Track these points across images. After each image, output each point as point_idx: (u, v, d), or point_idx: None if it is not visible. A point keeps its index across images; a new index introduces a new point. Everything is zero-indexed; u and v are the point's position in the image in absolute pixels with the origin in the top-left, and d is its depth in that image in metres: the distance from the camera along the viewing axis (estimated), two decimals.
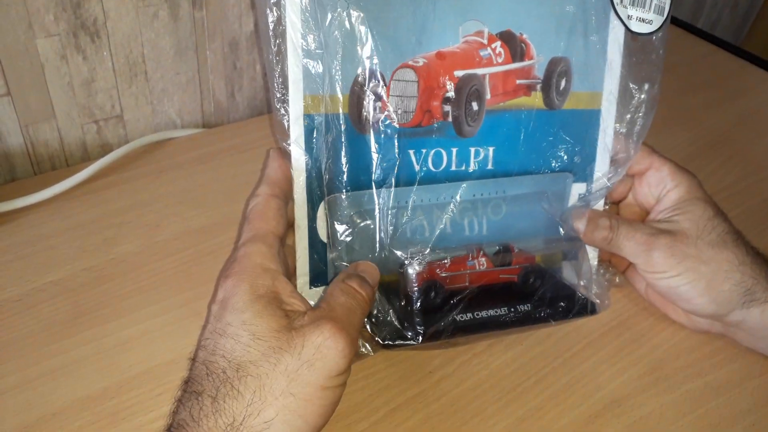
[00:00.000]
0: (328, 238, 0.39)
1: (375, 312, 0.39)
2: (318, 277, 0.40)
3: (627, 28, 0.41)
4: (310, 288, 0.40)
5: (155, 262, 0.45)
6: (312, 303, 0.36)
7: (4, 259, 0.44)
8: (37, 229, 0.47)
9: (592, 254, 0.46)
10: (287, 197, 0.37)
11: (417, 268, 0.38)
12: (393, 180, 0.39)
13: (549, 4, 0.40)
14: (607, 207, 0.45)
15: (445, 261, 0.39)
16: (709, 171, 0.60)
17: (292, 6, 0.35)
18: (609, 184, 0.44)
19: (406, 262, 0.38)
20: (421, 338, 0.37)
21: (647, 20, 0.41)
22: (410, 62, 0.38)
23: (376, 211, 0.38)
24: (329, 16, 0.36)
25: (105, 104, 0.54)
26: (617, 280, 0.46)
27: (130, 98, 0.55)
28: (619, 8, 0.41)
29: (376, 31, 0.37)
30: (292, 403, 0.30)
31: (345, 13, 0.36)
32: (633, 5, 0.41)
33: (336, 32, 0.36)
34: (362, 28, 0.36)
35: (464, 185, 0.40)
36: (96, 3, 0.49)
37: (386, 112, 0.38)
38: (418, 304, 0.38)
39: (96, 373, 0.38)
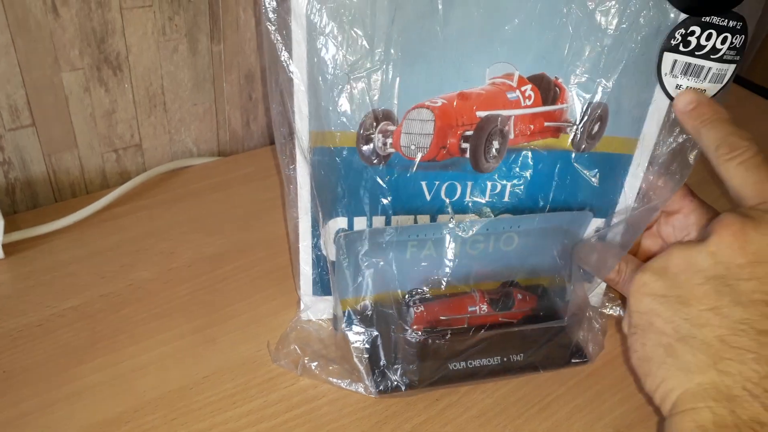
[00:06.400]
0: (335, 260, 0.40)
1: (372, 356, 0.40)
2: (322, 288, 0.43)
3: (671, 99, 0.38)
4: (313, 296, 0.43)
5: (170, 288, 0.47)
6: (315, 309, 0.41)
7: (25, 285, 0.46)
8: (57, 256, 0.49)
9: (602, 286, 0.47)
10: None
11: (418, 311, 0.40)
12: (401, 210, 0.40)
13: (595, 57, 0.37)
14: None
15: (445, 303, 0.40)
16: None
17: (298, 44, 0.35)
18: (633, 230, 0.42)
19: (406, 305, 0.39)
20: (415, 389, 0.39)
21: (700, 90, 0.38)
22: (427, 102, 0.38)
23: (382, 242, 0.39)
24: (329, 80, 0.36)
25: (125, 134, 0.56)
26: (621, 314, 0.47)
27: (148, 128, 0.57)
28: (666, 78, 0.38)
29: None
30: None
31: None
32: (686, 74, 0.37)
33: (334, 95, 0.36)
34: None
35: (478, 220, 0.40)
36: (119, 38, 0.51)
37: (391, 149, 0.38)
38: (416, 360, 0.39)
39: (112, 398, 0.39)
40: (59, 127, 0.52)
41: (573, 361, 0.43)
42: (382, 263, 0.39)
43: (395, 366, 0.40)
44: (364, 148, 0.38)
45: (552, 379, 0.43)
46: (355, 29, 0.35)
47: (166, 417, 0.39)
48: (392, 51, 0.35)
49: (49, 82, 0.50)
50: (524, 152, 0.40)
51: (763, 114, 0.76)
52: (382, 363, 0.40)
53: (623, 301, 0.47)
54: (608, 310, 0.47)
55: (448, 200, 0.40)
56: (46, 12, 0.47)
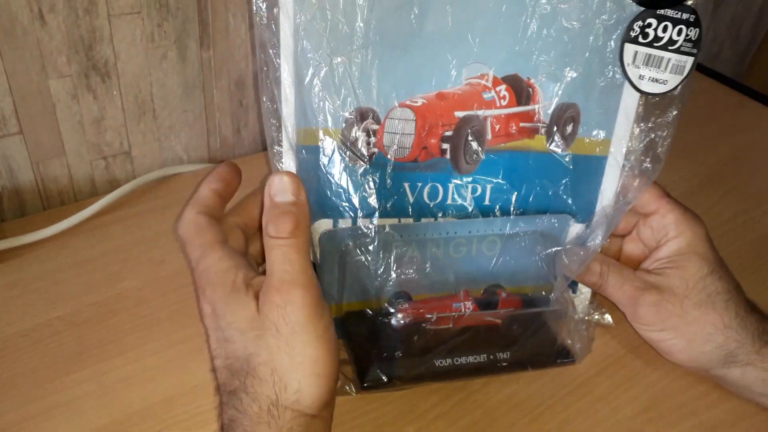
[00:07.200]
0: (318, 262, 0.40)
1: (356, 352, 0.40)
2: None
3: (636, 89, 0.40)
4: None
5: (158, 297, 0.46)
6: None
7: (12, 294, 0.46)
8: (45, 264, 0.48)
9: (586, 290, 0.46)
10: (215, 213, 0.39)
11: (402, 307, 0.39)
12: (385, 212, 0.40)
13: (561, 50, 0.39)
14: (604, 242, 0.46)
15: (431, 302, 0.40)
16: (707, 206, 0.61)
17: (285, 48, 0.37)
18: (608, 226, 0.43)
19: (390, 307, 0.39)
20: (399, 383, 0.39)
21: (661, 80, 0.40)
22: (408, 102, 0.39)
23: (367, 243, 0.39)
24: (312, 65, 0.37)
25: (113, 141, 0.56)
26: (608, 320, 0.46)
27: (138, 135, 0.56)
28: (629, 69, 0.39)
29: (358, 72, 0.38)
30: (304, 368, 0.33)
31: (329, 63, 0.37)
32: (647, 65, 0.39)
33: (317, 79, 0.37)
34: (346, 72, 0.37)
35: (459, 222, 0.41)
36: (107, 45, 0.51)
37: (375, 149, 0.39)
38: (399, 352, 0.39)
39: (98, 409, 0.39)
40: (47, 134, 0.52)
41: (559, 360, 0.42)
42: (364, 262, 0.39)
43: (378, 359, 0.39)
44: (349, 146, 0.38)
45: (545, 387, 0.43)
46: (336, 15, 0.36)
47: (152, 429, 0.38)
48: (371, 37, 0.37)
49: (36, 90, 0.50)
50: (502, 153, 0.41)
51: (760, 119, 0.76)
52: (364, 357, 0.39)
53: (611, 307, 0.47)
54: (594, 317, 0.46)
55: (430, 202, 0.41)
56: (33, 19, 0.47)
